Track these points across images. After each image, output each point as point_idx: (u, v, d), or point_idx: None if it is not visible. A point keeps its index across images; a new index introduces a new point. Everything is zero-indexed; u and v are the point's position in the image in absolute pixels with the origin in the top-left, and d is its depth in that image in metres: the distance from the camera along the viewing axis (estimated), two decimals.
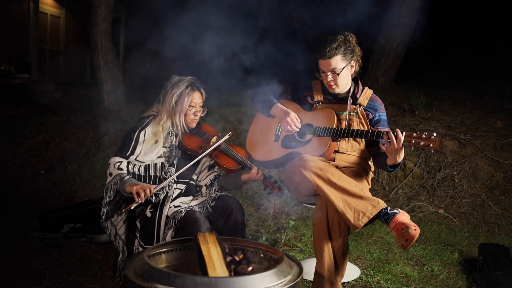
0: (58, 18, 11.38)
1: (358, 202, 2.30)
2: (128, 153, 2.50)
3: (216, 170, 2.70)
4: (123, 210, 2.39)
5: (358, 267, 3.01)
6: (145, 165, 2.54)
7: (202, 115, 2.67)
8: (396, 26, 6.42)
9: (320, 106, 2.69)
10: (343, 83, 2.62)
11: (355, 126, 2.62)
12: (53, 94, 8.41)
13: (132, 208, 2.35)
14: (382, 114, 2.68)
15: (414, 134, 2.30)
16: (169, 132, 2.59)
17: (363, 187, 2.40)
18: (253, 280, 1.57)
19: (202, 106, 2.64)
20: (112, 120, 5.75)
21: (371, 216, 2.27)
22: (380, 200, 2.31)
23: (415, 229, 2.18)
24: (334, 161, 2.61)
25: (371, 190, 2.60)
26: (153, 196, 2.43)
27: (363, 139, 2.62)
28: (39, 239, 3.38)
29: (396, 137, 2.29)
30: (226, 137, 2.59)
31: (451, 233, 3.65)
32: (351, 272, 2.86)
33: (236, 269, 1.88)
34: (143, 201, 2.35)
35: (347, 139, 2.61)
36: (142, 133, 2.53)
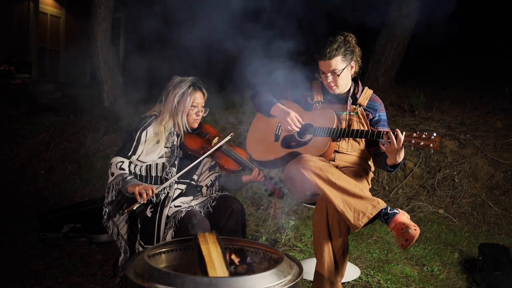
0: (58, 18, 11.38)
1: (358, 202, 2.30)
2: (130, 153, 2.51)
3: (217, 170, 2.70)
4: (125, 211, 2.39)
5: (358, 267, 3.01)
6: (147, 165, 2.54)
7: (204, 115, 2.67)
8: (396, 26, 6.43)
9: (320, 106, 2.69)
10: (343, 84, 2.62)
11: (355, 126, 2.62)
12: (53, 94, 8.42)
13: (134, 208, 2.36)
14: (382, 114, 2.68)
15: (414, 134, 2.30)
16: (170, 132, 2.59)
17: (363, 187, 2.40)
18: (253, 280, 1.57)
19: (204, 106, 2.65)
20: (112, 120, 5.75)
21: (371, 216, 2.27)
22: (380, 200, 2.31)
23: (415, 229, 2.18)
24: (334, 161, 2.61)
25: (371, 190, 2.60)
26: (154, 196, 2.43)
27: (363, 139, 2.62)
28: (39, 239, 3.38)
29: (396, 137, 2.29)
30: (228, 138, 2.59)
31: (451, 233, 3.65)
32: (351, 272, 2.86)
33: (236, 269, 1.88)
34: (145, 202, 2.35)
35: (347, 139, 2.61)
36: (144, 133, 2.53)
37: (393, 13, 6.46)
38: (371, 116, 2.65)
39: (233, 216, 2.46)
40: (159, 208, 2.44)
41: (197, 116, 2.61)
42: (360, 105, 2.65)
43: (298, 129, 2.66)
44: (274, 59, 2.65)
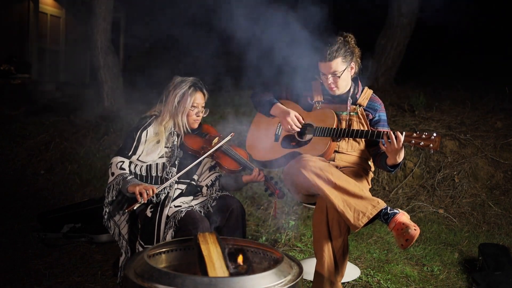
0: (58, 18, 11.38)
1: (358, 202, 2.30)
2: (130, 153, 2.51)
3: (217, 170, 2.71)
4: (126, 211, 2.39)
5: (358, 267, 3.01)
6: (147, 165, 2.54)
7: (204, 115, 2.67)
8: (396, 26, 6.43)
9: (320, 106, 2.69)
10: (343, 85, 2.62)
11: (355, 126, 2.62)
12: (53, 94, 8.41)
13: (134, 208, 2.36)
14: (382, 114, 2.68)
15: (414, 134, 2.30)
16: (171, 132, 2.59)
17: (363, 187, 2.40)
18: (253, 280, 1.57)
19: (204, 106, 2.65)
20: (112, 120, 5.75)
21: (371, 216, 2.27)
22: (380, 200, 2.31)
23: (415, 229, 2.18)
24: (334, 161, 2.61)
25: (371, 190, 2.60)
26: (154, 196, 2.43)
27: (363, 139, 2.62)
28: (39, 239, 3.38)
29: (396, 137, 2.30)
30: (228, 138, 2.59)
31: (451, 233, 3.65)
32: (351, 272, 2.86)
33: (236, 269, 1.88)
34: (145, 202, 2.35)
35: (347, 139, 2.61)
36: (144, 133, 2.53)
37: (393, 13, 6.46)
38: (371, 116, 2.65)
39: (233, 216, 2.46)
40: (159, 208, 2.44)
41: (198, 116, 2.61)
42: (360, 105, 2.65)
43: (298, 129, 2.66)
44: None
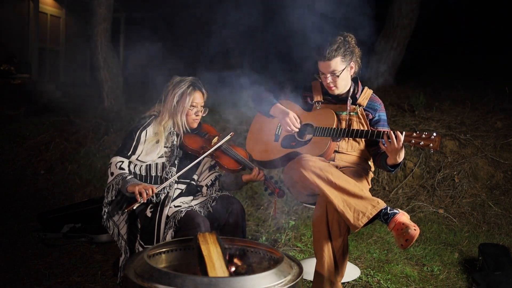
0: (58, 18, 11.39)
1: (358, 202, 2.30)
2: (130, 152, 2.51)
3: (217, 170, 2.70)
4: (125, 210, 2.39)
5: (358, 267, 3.01)
6: (146, 165, 2.54)
7: (204, 115, 2.67)
8: (396, 26, 6.43)
9: (320, 106, 2.69)
10: (343, 85, 2.62)
11: (355, 126, 2.62)
12: (53, 94, 8.43)
13: (134, 208, 2.36)
14: (382, 114, 2.67)
15: (414, 134, 2.30)
16: (170, 132, 2.59)
17: (363, 187, 2.39)
18: (253, 280, 1.57)
19: (203, 106, 2.65)
20: (112, 120, 5.75)
21: (371, 216, 2.27)
22: (379, 200, 2.31)
23: (415, 229, 2.18)
24: (334, 161, 2.61)
25: (371, 190, 2.60)
26: (154, 196, 2.43)
27: (363, 139, 2.62)
28: (39, 239, 3.38)
29: (396, 137, 2.29)
30: (228, 137, 2.59)
31: (451, 233, 3.65)
32: (351, 272, 2.86)
33: (236, 269, 1.88)
34: (145, 201, 2.35)
35: (347, 139, 2.61)
36: (144, 133, 2.53)
37: (393, 13, 6.47)
38: (371, 116, 2.65)
39: (233, 216, 2.46)
40: (159, 208, 2.44)
41: (197, 116, 2.61)
42: (359, 105, 2.65)
43: (297, 129, 2.66)
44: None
